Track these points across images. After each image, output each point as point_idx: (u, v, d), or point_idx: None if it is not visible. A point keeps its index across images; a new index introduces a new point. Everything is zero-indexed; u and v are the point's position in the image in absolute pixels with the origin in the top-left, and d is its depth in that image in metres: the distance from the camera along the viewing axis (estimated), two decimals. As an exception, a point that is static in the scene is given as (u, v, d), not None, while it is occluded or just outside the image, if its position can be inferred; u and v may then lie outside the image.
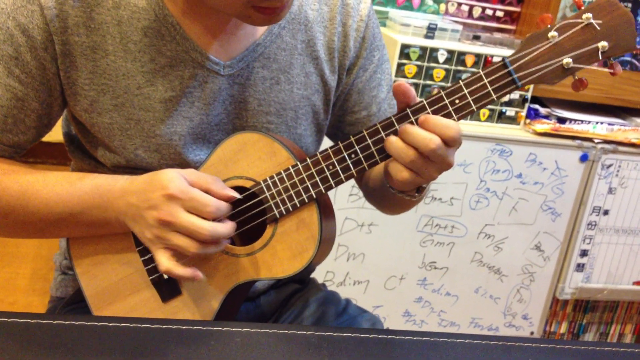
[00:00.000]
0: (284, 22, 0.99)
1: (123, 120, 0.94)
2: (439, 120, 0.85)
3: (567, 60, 0.84)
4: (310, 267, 0.93)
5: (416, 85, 1.94)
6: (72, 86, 0.94)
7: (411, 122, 0.86)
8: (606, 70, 0.85)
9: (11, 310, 1.29)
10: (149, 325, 0.83)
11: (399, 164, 0.86)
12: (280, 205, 0.92)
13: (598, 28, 0.83)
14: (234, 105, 0.98)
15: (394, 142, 0.85)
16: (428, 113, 0.86)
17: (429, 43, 1.92)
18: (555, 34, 0.84)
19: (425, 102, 0.87)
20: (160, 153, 0.96)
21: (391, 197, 0.95)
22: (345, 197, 1.93)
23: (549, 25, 0.85)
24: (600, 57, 0.84)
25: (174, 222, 0.85)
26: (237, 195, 0.90)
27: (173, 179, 0.86)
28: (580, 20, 0.84)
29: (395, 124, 0.87)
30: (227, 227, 0.88)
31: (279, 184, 0.92)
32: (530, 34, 0.86)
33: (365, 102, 1.07)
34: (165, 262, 0.88)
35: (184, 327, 0.84)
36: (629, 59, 2.13)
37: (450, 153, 0.86)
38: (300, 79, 1.01)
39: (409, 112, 0.87)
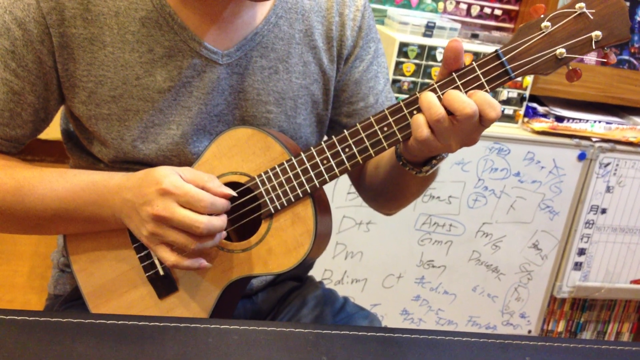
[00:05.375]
0: (282, 12, 0.99)
1: (121, 111, 0.94)
2: (486, 96, 0.82)
3: (560, 50, 0.83)
4: (306, 262, 0.93)
5: (414, 84, 1.94)
6: (70, 78, 0.93)
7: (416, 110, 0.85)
8: (600, 59, 0.84)
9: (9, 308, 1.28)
10: (146, 323, 0.83)
11: (422, 120, 0.83)
12: (275, 201, 0.92)
13: (591, 17, 0.82)
14: (234, 95, 0.98)
15: (429, 96, 0.82)
16: (419, 109, 0.85)
17: (427, 41, 1.92)
18: (549, 24, 0.83)
19: (418, 94, 0.85)
20: (157, 144, 0.96)
21: (394, 177, 0.94)
22: (344, 195, 1.93)
23: (542, 15, 0.83)
24: (594, 47, 0.83)
25: (169, 217, 0.85)
26: (232, 193, 0.89)
27: (167, 174, 0.86)
28: (573, 10, 0.82)
29: (389, 117, 0.87)
30: (222, 220, 0.88)
31: (273, 179, 0.92)
32: (523, 25, 0.84)
33: (362, 92, 1.07)
34: (170, 257, 0.87)
35: (182, 325, 0.84)
36: (627, 57, 2.13)
37: (479, 129, 0.84)
38: (299, 68, 1.01)
39: (402, 105, 0.86)
